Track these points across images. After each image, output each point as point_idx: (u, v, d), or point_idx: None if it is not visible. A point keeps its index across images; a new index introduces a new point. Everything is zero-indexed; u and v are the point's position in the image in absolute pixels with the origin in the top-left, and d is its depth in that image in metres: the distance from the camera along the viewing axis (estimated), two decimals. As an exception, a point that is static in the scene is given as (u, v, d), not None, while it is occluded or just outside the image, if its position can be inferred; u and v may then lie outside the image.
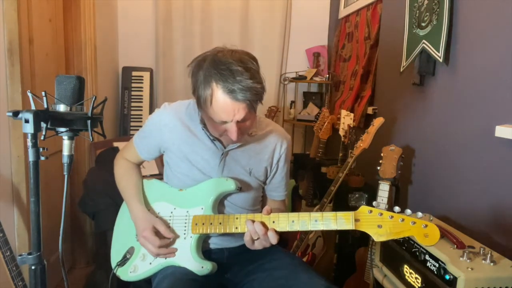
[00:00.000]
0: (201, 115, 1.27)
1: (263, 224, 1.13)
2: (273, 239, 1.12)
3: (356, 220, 1.04)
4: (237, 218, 1.19)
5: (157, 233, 1.27)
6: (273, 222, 1.15)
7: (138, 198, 1.36)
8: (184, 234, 1.28)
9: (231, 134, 1.16)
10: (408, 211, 1.01)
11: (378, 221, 1.02)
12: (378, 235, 1.01)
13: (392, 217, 1.01)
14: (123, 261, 1.34)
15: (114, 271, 1.35)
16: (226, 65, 1.08)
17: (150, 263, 1.30)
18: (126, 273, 1.33)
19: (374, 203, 1.05)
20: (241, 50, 1.17)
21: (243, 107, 1.11)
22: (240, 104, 1.10)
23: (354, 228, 1.04)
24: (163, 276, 1.24)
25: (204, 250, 1.30)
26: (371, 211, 1.03)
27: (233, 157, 1.32)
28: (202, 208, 1.28)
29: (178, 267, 1.26)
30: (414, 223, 0.98)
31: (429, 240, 0.97)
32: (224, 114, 1.12)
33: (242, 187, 1.32)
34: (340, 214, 1.07)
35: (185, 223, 1.29)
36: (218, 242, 1.33)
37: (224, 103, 1.10)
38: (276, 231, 1.13)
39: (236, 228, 1.19)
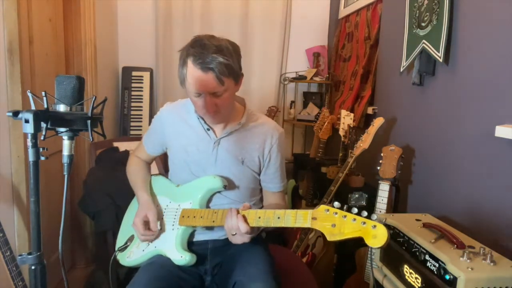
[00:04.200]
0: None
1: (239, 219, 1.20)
2: (242, 227, 1.18)
3: (313, 219, 1.06)
4: (215, 213, 1.28)
5: (147, 222, 1.37)
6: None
7: (145, 188, 1.47)
8: (173, 225, 1.37)
9: (206, 107, 1.25)
10: (365, 212, 1.01)
11: (332, 221, 1.03)
12: (331, 234, 1.02)
13: (345, 217, 1.01)
14: (124, 247, 1.45)
15: (116, 254, 1.46)
16: (199, 42, 1.23)
17: (143, 250, 1.40)
18: (124, 258, 1.44)
19: (335, 203, 1.04)
20: (226, 38, 1.28)
21: (210, 77, 1.20)
22: (206, 74, 1.20)
23: (310, 226, 1.06)
24: (144, 264, 1.35)
25: (189, 241, 1.38)
26: (328, 210, 1.05)
27: (225, 147, 1.39)
28: (190, 203, 1.37)
29: (161, 257, 1.35)
30: (365, 223, 0.98)
31: (376, 241, 0.96)
32: (197, 85, 1.22)
33: (235, 178, 1.39)
34: (300, 212, 1.11)
35: (175, 215, 1.38)
36: (202, 234, 1.40)
37: (195, 74, 1.21)
38: (245, 220, 1.19)
39: (213, 221, 1.28)
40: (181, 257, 1.31)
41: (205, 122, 1.37)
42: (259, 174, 1.45)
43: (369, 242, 0.97)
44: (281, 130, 1.47)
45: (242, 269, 1.27)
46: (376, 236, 0.96)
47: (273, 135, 1.43)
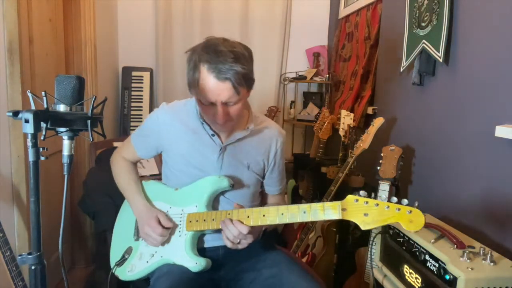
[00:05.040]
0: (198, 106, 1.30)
1: (235, 222, 1.17)
2: (244, 229, 1.15)
3: (343, 210, 1.05)
4: (229, 214, 1.21)
5: (159, 223, 1.30)
6: (263, 215, 1.16)
7: (140, 194, 1.39)
8: (179, 232, 1.30)
9: (217, 117, 1.19)
10: (394, 198, 1.02)
11: (364, 210, 1.03)
12: (365, 223, 1.02)
13: (377, 205, 1.02)
14: (122, 261, 1.37)
15: (113, 271, 1.37)
16: (214, 47, 1.15)
17: (147, 262, 1.32)
18: (124, 273, 1.35)
19: (361, 192, 1.05)
20: (237, 41, 1.21)
21: (226, 87, 1.14)
22: (223, 83, 1.14)
23: (341, 218, 1.05)
24: (159, 275, 1.26)
25: (200, 248, 1.32)
26: (357, 200, 1.04)
27: (231, 153, 1.34)
28: (196, 206, 1.29)
29: (173, 265, 1.27)
30: (399, 209, 0.99)
31: (414, 226, 0.98)
32: (209, 94, 1.16)
33: (241, 182, 1.34)
34: (327, 204, 1.09)
35: (180, 221, 1.31)
36: (213, 241, 1.34)
37: (209, 83, 1.14)
38: (241, 222, 1.16)
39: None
40: (196, 264, 1.25)
41: (210, 128, 1.31)
42: (262, 177, 1.42)
43: (406, 226, 0.98)
44: (284, 133, 1.45)
45: (276, 274, 1.24)
46: (412, 221, 0.98)
47: (278, 139, 1.41)
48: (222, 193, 1.33)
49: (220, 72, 1.12)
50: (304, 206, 1.12)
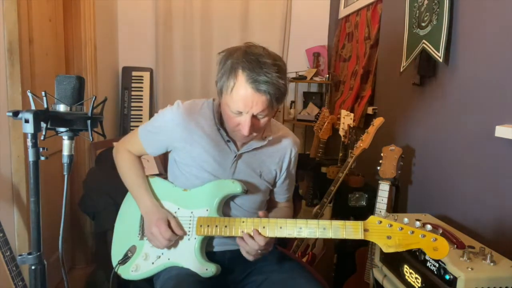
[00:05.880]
0: (219, 109, 1.27)
1: (256, 235, 1.15)
2: (262, 241, 1.14)
3: (365, 230, 1.05)
4: (243, 222, 1.18)
5: (168, 226, 1.26)
6: (280, 228, 1.15)
7: (148, 190, 1.34)
8: (188, 235, 1.27)
9: (243, 127, 1.15)
10: (417, 223, 1.01)
11: (387, 232, 1.02)
12: (387, 246, 1.01)
13: (401, 228, 1.01)
14: (125, 259, 1.33)
15: (116, 269, 1.34)
16: (256, 56, 1.10)
17: (153, 263, 1.29)
18: (128, 272, 1.32)
19: (383, 213, 1.05)
20: (272, 51, 1.18)
21: (262, 100, 1.10)
22: (260, 96, 1.10)
23: (363, 238, 1.04)
24: (168, 277, 1.24)
25: (208, 252, 1.29)
26: (380, 222, 1.03)
27: (245, 160, 1.31)
28: (207, 210, 1.26)
29: (181, 268, 1.25)
30: (424, 236, 0.98)
31: (438, 254, 0.97)
32: (242, 104, 1.12)
33: (251, 189, 1.31)
34: (349, 223, 1.07)
35: (189, 224, 1.27)
36: (220, 244, 1.32)
37: (245, 92, 1.10)
38: (259, 233, 1.15)
39: (242, 231, 1.18)
40: (206, 270, 1.23)
41: (226, 134, 1.27)
42: (273, 186, 1.41)
43: (430, 254, 0.99)
44: (298, 142, 1.43)
45: (286, 279, 1.24)
46: (437, 249, 0.97)
47: (292, 149, 1.38)
48: (232, 198, 1.31)
49: (261, 84, 1.08)
50: (325, 223, 1.10)
